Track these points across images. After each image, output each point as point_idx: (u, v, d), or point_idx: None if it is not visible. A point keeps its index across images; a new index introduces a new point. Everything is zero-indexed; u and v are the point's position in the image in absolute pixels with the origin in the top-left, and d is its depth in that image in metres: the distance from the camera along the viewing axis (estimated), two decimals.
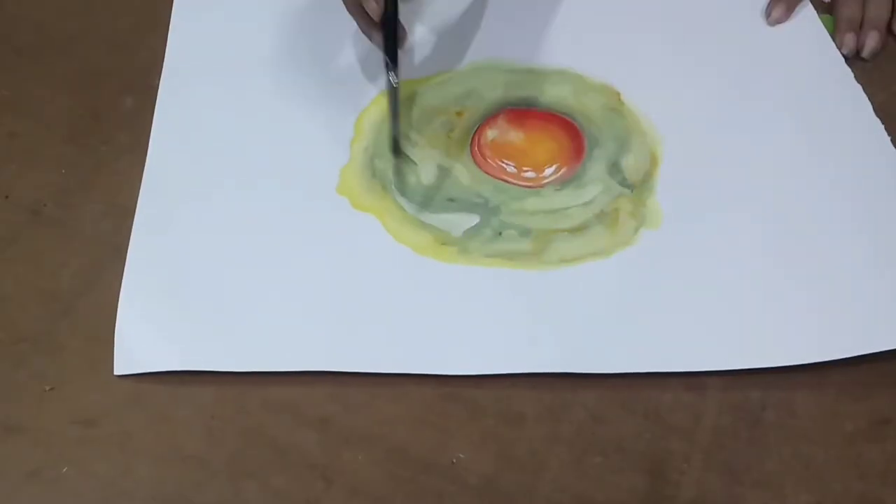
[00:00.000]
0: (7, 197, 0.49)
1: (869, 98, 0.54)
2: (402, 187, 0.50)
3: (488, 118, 0.53)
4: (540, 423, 0.42)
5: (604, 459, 0.41)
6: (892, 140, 0.52)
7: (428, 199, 0.49)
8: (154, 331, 0.43)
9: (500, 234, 0.48)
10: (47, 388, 0.42)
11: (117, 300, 0.44)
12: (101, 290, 0.45)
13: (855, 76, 0.55)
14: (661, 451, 0.41)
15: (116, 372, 0.42)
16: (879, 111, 0.53)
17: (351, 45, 0.57)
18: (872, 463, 0.41)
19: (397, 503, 0.39)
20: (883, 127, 0.52)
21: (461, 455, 0.41)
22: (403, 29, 0.54)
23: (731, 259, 0.47)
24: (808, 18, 0.59)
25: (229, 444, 0.41)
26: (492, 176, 0.51)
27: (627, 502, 0.40)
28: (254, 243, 0.47)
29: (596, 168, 0.51)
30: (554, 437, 0.41)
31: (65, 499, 0.39)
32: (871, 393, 0.43)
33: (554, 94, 0.54)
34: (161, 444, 0.40)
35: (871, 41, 0.57)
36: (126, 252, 0.46)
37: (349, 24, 0.54)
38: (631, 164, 0.51)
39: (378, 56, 0.52)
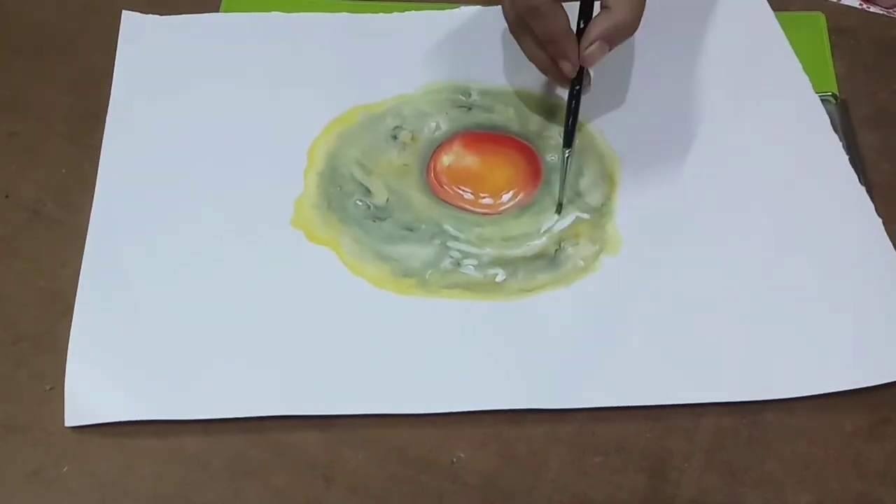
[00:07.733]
0: (7, 197, 0.49)
1: (869, 96, 0.54)
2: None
3: (443, 143, 0.52)
4: (540, 423, 0.41)
5: (604, 459, 0.41)
6: (888, 146, 0.51)
7: (384, 230, 0.48)
8: (106, 380, 0.42)
9: (458, 264, 0.46)
10: (47, 387, 0.42)
11: None
12: None
13: (856, 75, 0.55)
14: (661, 451, 0.41)
15: (67, 423, 0.40)
16: (880, 109, 0.53)
17: (301, 73, 0.54)
18: (872, 462, 0.41)
19: (397, 503, 0.39)
20: (837, 137, 0.51)
21: (461, 455, 0.41)
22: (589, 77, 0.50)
23: (694, 287, 0.45)
24: (765, 19, 0.58)
25: (229, 444, 0.41)
26: (449, 204, 0.49)
27: (627, 502, 0.40)
28: (207, 283, 0.45)
29: (554, 193, 0.49)
30: (554, 437, 0.41)
31: (65, 499, 0.39)
32: (871, 393, 0.42)
33: (508, 116, 0.53)
34: (161, 444, 0.40)
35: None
36: None
37: (298, 55, 0.54)
38: (589, 187, 0.50)
39: (332, 83, 0.53)
